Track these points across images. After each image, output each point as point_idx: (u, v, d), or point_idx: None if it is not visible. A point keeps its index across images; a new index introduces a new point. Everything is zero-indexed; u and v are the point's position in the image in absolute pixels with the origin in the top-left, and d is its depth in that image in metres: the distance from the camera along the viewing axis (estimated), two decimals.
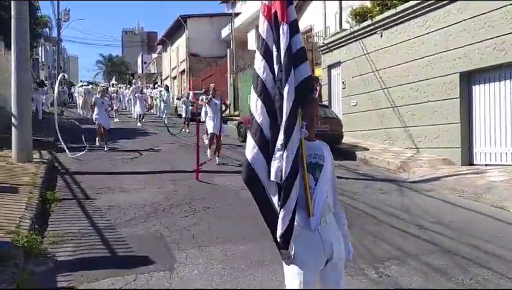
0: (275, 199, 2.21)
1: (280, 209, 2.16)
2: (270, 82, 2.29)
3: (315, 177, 2.33)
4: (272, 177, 2.19)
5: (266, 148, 2.23)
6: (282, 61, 2.24)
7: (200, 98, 13.62)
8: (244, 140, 14.26)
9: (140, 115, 19.27)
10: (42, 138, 11.49)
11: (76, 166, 9.05)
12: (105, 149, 11.47)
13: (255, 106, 2.28)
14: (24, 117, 8.60)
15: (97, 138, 12.08)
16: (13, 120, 8.65)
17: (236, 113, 24.48)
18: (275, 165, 2.18)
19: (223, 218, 5.80)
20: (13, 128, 8.60)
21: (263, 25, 2.35)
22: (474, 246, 4.90)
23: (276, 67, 2.29)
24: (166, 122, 19.69)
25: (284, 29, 2.27)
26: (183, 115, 17.69)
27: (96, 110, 12.17)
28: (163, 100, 21.04)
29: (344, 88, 14.74)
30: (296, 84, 2.25)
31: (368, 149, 11.76)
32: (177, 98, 26.46)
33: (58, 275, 3.87)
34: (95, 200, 6.48)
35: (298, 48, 2.32)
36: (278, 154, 2.18)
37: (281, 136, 2.19)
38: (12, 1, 8.72)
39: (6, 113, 11.86)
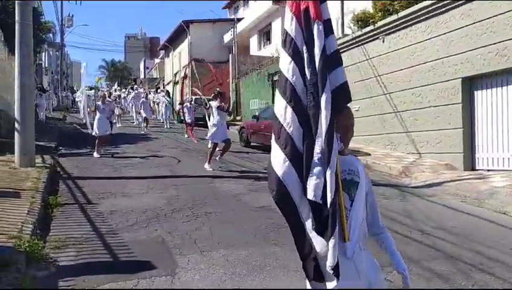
0: (307, 221, 1.97)
1: (330, 237, 1.89)
2: (300, 86, 2.04)
3: (350, 197, 2.08)
4: (310, 196, 1.93)
5: (298, 161, 1.97)
6: (317, 65, 2.01)
7: (209, 103, 13.69)
8: (246, 145, 14.28)
9: (145, 120, 19.00)
10: (45, 143, 11.52)
11: (79, 171, 9.07)
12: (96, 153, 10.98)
13: (284, 113, 2.03)
14: (27, 122, 8.63)
15: (96, 149, 11.13)
16: (16, 125, 8.68)
17: (238, 118, 24.52)
18: (312, 182, 1.93)
19: (225, 223, 5.80)
20: (16, 133, 8.63)
21: (291, 23, 2.10)
22: (477, 251, 4.89)
23: (307, 70, 2.05)
24: (169, 126, 19.76)
25: (319, 28, 2.03)
26: (188, 120, 17.34)
27: (97, 117, 11.55)
28: (165, 105, 21.08)
29: None
30: (331, 90, 2.02)
31: (369, 154, 11.75)
32: (179, 104, 26.50)
33: (59, 280, 3.87)
34: (97, 205, 6.48)
35: (332, 50, 2.09)
36: (316, 169, 1.94)
37: (318, 149, 1.96)
38: (16, 6, 8.77)
39: (9, 118, 11.91)
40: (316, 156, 1.95)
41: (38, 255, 4.24)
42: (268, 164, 2.04)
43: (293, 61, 2.07)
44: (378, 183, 8.96)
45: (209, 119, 13.37)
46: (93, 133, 11.42)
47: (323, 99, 1.96)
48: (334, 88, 2.04)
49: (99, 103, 12.08)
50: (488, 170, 9.48)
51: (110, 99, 15.38)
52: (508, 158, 9.23)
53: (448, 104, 10.36)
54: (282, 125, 2.03)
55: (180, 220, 5.85)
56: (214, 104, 9.94)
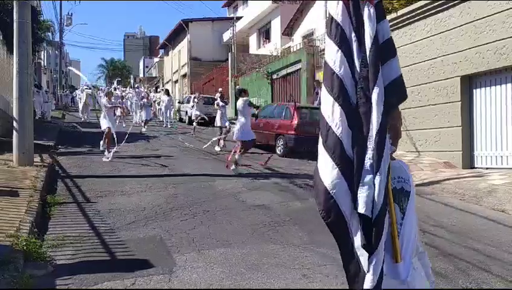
0: (356, 237, 1.70)
1: (371, 255, 1.66)
2: (349, 80, 1.77)
3: (401, 209, 1.82)
4: (361, 210, 1.66)
5: (349, 169, 1.70)
6: (368, 54, 1.74)
7: (216, 102, 13.66)
8: None
9: (145, 120, 18.87)
10: (43, 142, 11.50)
11: (77, 169, 9.06)
12: (110, 155, 10.35)
13: (331, 112, 1.75)
14: (25, 121, 8.61)
15: (102, 142, 11.19)
16: (14, 124, 8.67)
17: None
18: (363, 192, 1.66)
19: (223, 221, 5.80)
20: (14, 131, 8.62)
21: (337, 6, 1.82)
22: (475, 249, 4.89)
23: (356, 61, 1.78)
24: (169, 125, 19.72)
25: (370, 12, 1.75)
26: (194, 118, 16.73)
27: (103, 114, 11.19)
28: (164, 105, 21.02)
29: None
30: (384, 85, 1.76)
31: None
32: (178, 102, 26.47)
33: (57, 278, 3.86)
34: (95, 203, 6.48)
35: (386, 38, 1.82)
36: (367, 178, 1.67)
37: (370, 153, 1.69)
38: (14, 5, 8.76)
39: (7, 116, 11.89)
40: (368, 162, 1.69)
41: (35, 254, 4.24)
42: (314, 172, 1.78)
43: (340, 51, 1.79)
44: None
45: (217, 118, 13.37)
46: (103, 127, 11.10)
47: (375, 95, 1.70)
48: (388, 83, 1.78)
49: (105, 99, 11.66)
50: (487, 168, 9.48)
51: (113, 100, 15.07)
52: (507, 156, 9.23)
53: (447, 102, 10.35)
54: (329, 126, 1.75)
55: (178, 218, 5.84)
56: (244, 99, 9.53)
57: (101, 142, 11.36)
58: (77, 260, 4.30)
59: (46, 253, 4.39)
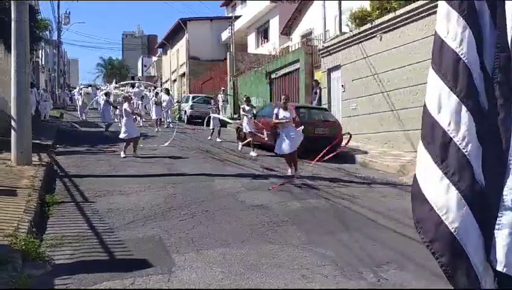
0: None
1: None
2: (477, 72, 1.27)
3: None
4: (498, 266, 1.21)
5: (479, 202, 1.23)
6: (510, 37, 1.22)
7: (242, 107, 13.45)
8: (243, 144, 14.19)
9: (160, 119, 18.76)
10: (42, 141, 11.49)
11: (76, 169, 9.04)
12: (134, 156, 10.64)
13: (455, 119, 1.27)
14: (23, 120, 8.60)
15: (124, 151, 10.75)
16: (12, 123, 8.65)
17: (236, 116, 24.49)
18: (502, 239, 1.19)
19: (222, 221, 5.80)
20: (12, 130, 8.60)
21: None
22: None
23: (489, 46, 1.28)
24: (169, 125, 19.67)
25: None
26: (211, 126, 15.17)
27: (124, 121, 11.04)
28: (164, 104, 20.95)
29: (344, 91, 14.76)
30: None
31: (367, 152, 11.76)
32: (177, 102, 26.43)
33: (55, 278, 3.86)
34: (94, 203, 6.47)
35: None
36: (508, 216, 1.19)
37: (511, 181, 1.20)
38: (12, 4, 8.74)
39: (5, 115, 11.86)
40: (510, 195, 1.19)
41: (34, 254, 4.23)
42: (416, 205, 1.29)
43: (469, 28, 1.26)
44: (376, 181, 8.98)
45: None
46: (121, 137, 10.99)
47: None
48: None
49: (127, 105, 11.35)
50: None
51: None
52: None
53: None
54: (451, 139, 1.26)
55: (177, 218, 5.84)
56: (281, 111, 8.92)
57: (124, 151, 10.76)
58: (76, 260, 4.29)
59: (44, 253, 4.37)
